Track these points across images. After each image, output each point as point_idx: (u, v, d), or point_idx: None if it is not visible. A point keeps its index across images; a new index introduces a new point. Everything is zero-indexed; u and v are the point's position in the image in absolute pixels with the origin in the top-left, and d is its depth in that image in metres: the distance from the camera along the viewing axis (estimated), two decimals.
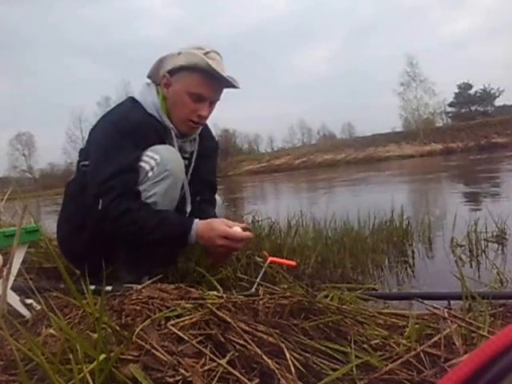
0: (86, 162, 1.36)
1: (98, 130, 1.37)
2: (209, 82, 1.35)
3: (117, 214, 1.22)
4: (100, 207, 1.22)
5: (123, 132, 1.28)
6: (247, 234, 1.32)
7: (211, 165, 1.61)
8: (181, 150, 1.43)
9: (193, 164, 1.50)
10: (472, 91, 49.48)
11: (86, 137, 1.48)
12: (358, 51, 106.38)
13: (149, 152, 1.28)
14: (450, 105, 50.35)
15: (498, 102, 49.30)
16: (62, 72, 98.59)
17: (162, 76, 1.37)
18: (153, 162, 1.26)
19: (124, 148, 1.26)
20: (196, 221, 1.29)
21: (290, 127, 59.90)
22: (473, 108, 49.47)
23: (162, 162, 1.26)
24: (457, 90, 50.14)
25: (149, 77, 1.45)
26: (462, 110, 49.88)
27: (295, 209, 2.68)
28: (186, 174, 1.47)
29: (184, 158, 1.44)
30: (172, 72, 1.36)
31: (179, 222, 1.29)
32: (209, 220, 1.30)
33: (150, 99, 1.38)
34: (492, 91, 48.62)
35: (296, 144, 56.70)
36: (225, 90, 1.45)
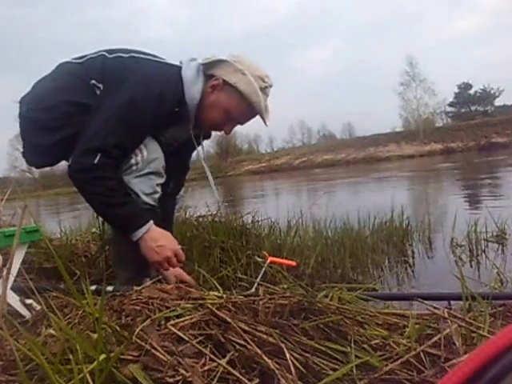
0: (100, 86, 1.35)
1: (133, 84, 1.32)
2: (249, 113, 1.42)
3: (101, 175, 1.28)
4: (95, 162, 1.26)
5: (150, 111, 1.30)
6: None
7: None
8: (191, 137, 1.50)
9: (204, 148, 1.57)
10: (472, 91, 49.56)
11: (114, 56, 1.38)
12: (358, 51, 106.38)
13: (142, 146, 1.35)
14: (450, 105, 50.41)
15: (498, 102, 49.44)
16: None
17: (216, 78, 1.38)
18: (139, 158, 1.34)
19: (140, 132, 1.33)
20: (149, 226, 1.31)
21: (290, 127, 60.05)
22: (473, 108, 49.49)
23: (146, 160, 1.35)
24: (457, 90, 50.22)
25: (203, 64, 1.41)
26: (462, 110, 49.91)
27: (295, 209, 2.68)
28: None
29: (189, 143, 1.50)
30: (227, 83, 1.38)
31: (134, 216, 1.32)
32: (163, 234, 1.33)
33: (193, 90, 1.38)
34: (492, 91, 48.66)
35: (296, 144, 56.81)
36: None
